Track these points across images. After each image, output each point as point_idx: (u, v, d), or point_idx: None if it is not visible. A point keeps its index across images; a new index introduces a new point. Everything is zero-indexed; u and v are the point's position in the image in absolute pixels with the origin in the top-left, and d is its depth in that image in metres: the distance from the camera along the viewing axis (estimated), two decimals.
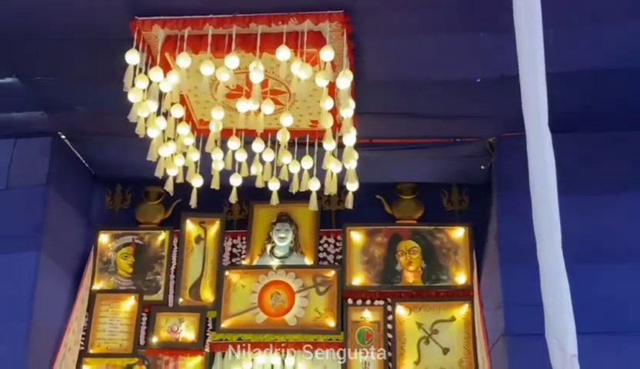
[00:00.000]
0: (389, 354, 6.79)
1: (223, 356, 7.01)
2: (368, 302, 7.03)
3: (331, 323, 6.94)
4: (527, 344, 5.08)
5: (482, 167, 6.78)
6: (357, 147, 5.23)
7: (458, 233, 7.14)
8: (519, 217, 4.40)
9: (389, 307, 6.97)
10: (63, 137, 6.89)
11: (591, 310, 4.77)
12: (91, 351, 6.97)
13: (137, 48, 4.87)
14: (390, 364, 6.76)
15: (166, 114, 5.15)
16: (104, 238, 7.45)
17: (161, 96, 4.96)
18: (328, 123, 4.95)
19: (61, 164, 6.86)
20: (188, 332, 7.03)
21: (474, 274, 6.88)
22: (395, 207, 7.37)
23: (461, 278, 6.95)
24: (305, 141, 5.56)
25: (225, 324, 7.01)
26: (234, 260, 7.41)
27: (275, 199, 5.47)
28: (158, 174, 5.28)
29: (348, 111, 4.93)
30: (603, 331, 5.11)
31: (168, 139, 5.27)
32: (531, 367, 5.03)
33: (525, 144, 3.51)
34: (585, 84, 5.42)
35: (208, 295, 7.20)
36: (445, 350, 6.73)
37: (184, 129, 5.34)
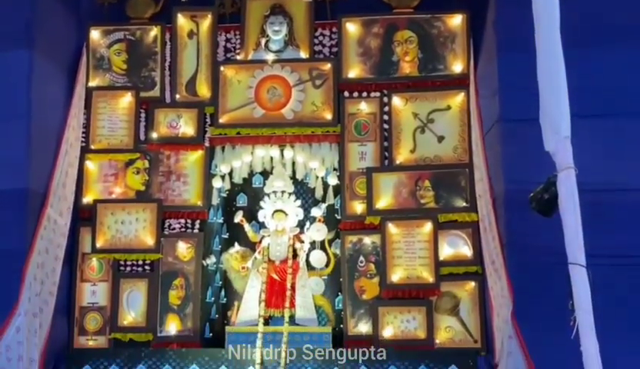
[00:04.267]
0: (385, 143, 6.91)
1: (223, 150, 7.15)
2: (365, 94, 7.04)
3: (328, 115, 7.00)
4: (521, 130, 5.15)
5: None
6: None
7: (456, 20, 6.99)
8: (518, 1, 4.31)
9: (385, 99, 6.99)
10: None
11: (588, 93, 4.78)
12: (92, 147, 7.09)
13: None
14: (386, 154, 6.91)
15: None
16: (95, 35, 7.31)
17: None
18: None
19: None
20: (187, 127, 7.10)
21: (471, 63, 6.83)
22: None
23: (457, 67, 6.91)
24: None
25: (223, 119, 7.08)
26: (228, 55, 7.33)
27: None
28: None
29: None
30: (599, 114, 5.16)
31: None
32: (524, 152, 5.18)
33: None
34: None
35: (204, 91, 7.20)
36: (440, 138, 6.84)
37: None
